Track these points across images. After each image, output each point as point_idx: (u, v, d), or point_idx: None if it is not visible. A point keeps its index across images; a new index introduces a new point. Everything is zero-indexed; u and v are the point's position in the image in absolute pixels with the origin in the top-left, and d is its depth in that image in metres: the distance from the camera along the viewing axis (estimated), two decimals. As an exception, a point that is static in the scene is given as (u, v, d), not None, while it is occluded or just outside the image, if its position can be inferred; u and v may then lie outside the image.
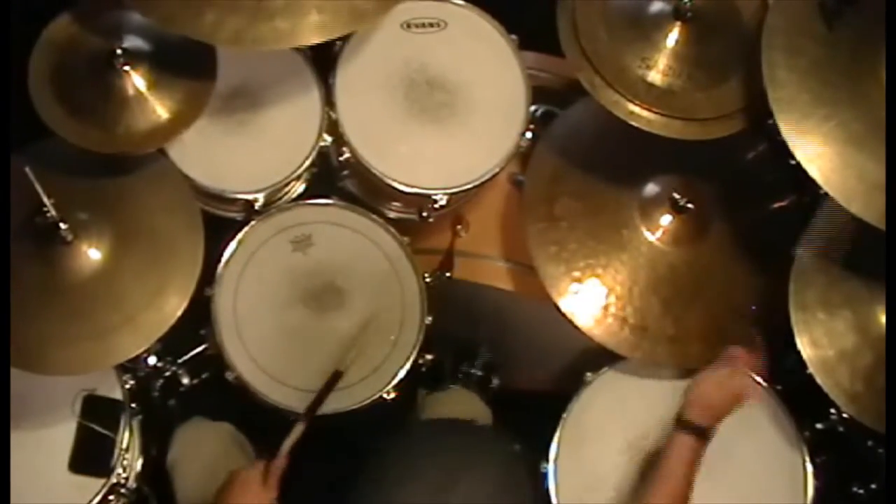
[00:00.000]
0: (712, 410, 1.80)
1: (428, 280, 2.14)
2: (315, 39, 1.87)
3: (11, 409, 1.85)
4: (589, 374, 2.09)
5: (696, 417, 1.79)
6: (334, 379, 1.95)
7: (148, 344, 1.88)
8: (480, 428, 1.98)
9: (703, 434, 1.78)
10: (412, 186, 2.09)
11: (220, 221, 2.09)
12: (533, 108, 2.21)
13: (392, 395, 2.02)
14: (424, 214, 2.16)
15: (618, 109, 1.96)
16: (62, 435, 1.94)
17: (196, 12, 1.79)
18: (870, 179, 1.77)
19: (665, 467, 1.77)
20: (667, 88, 1.98)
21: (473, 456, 1.67)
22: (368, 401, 2.00)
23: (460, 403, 2.23)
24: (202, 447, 2.04)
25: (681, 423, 1.80)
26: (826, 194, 1.79)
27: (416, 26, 2.19)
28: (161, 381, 2.16)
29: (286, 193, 2.16)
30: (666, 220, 2.08)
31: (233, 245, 2.07)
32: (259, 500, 1.73)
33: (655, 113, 1.96)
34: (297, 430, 1.84)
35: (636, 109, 1.97)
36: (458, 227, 2.28)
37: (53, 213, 1.75)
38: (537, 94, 2.21)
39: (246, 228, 2.09)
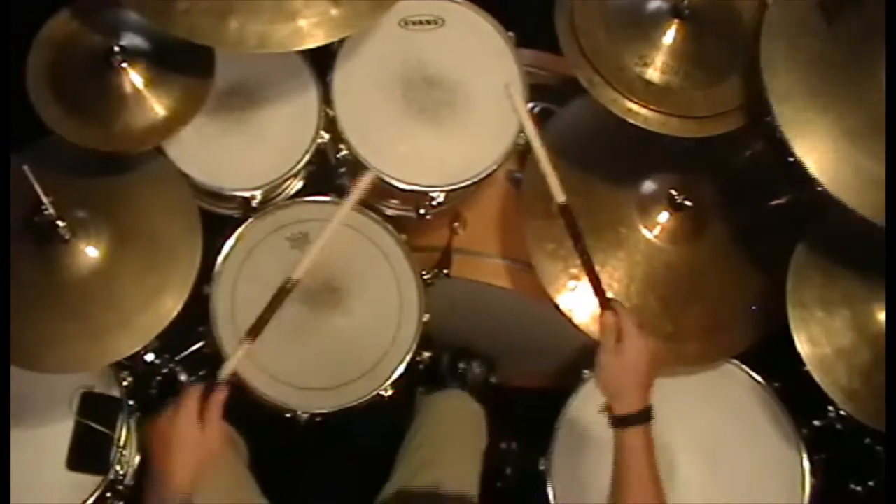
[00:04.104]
0: (636, 393, 1.65)
1: (426, 278, 2.14)
2: (338, 35, 1.88)
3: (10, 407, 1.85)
4: (587, 371, 2.10)
5: (625, 408, 1.65)
6: (283, 292, 1.79)
7: (144, 343, 1.88)
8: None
9: (646, 418, 1.65)
10: (410, 184, 2.08)
11: (217, 219, 2.09)
12: (531, 105, 2.21)
13: (389, 393, 2.02)
14: (422, 212, 2.16)
15: (615, 107, 1.96)
16: (60, 433, 1.95)
17: (220, 21, 1.79)
18: (865, 175, 1.77)
19: (626, 471, 1.64)
20: (664, 86, 1.98)
21: None
22: (366, 398, 2.00)
23: (457, 409, 2.23)
24: None
25: (616, 421, 1.67)
26: (824, 192, 1.79)
27: (414, 24, 2.19)
28: (159, 378, 2.16)
29: (284, 191, 2.16)
30: (664, 217, 2.08)
31: (230, 242, 2.07)
32: (202, 447, 1.56)
33: (653, 110, 1.96)
34: (240, 351, 1.70)
35: (634, 107, 1.96)
36: (456, 224, 2.28)
37: (52, 211, 1.75)
38: (535, 91, 2.20)
39: (243, 226, 2.08)
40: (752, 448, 2.08)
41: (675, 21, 1.99)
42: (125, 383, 2.00)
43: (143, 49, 1.91)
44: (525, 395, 2.55)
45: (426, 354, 2.13)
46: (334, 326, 2.06)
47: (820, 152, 1.79)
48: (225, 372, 1.65)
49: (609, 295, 1.77)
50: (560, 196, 1.72)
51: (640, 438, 1.64)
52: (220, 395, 1.60)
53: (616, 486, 1.65)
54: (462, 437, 2.14)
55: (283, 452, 2.24)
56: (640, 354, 1.66)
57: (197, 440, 1.55)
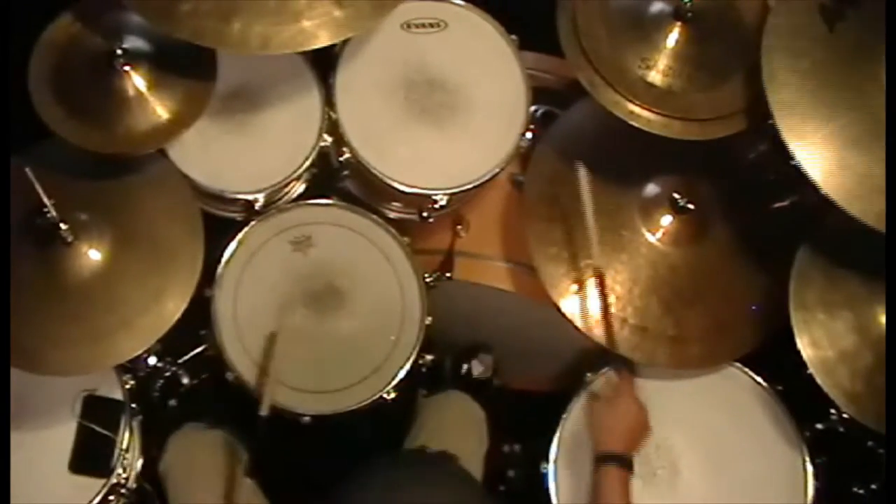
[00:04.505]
0: (615, 439, 1.88)
1: (428, 280, 2.14)
2: (341, 36, 1.89)
3: (12, 410, 1.85)
4: (589, 374, 2.09)
5: (612, 447, 1.87)
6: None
7: (146, 346, 1.88)
8: (446, 457, 1.97)
9: (624, 463, 1.86)
10: (412, 187, 2.09)
11: (220, 222, 2.09)
12: (533, 108, 2.21)
13: (392, 396, 2.02)
14: (425, 215, 2.16)
15: (618, 109, 1.96)
16: (62, 435, 1.94)
17: (223, 23, 1.80)
18: (869, 182, 1.77)
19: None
20: (666, 89, 1.97)
21: (437, 484, 1.67)
22: (368, 401, 2.00)
23: (455, 409, 2.23)
24: (195, 456, 2.03)
25: (601, 457, 1.87)
26: (826, 195, 1.79)
27: (416, 26, 2.19)
28: (161, 381, 2.16)
29: (286, 194, 2.16)
30: (666, 220, 2.08)
31: (233, 245, 2.07)
32: None
33: (655, 113, 1.96)
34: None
35: (636, 109, 1.96)
36: (459, 227, 2.28)
37: (54, 213, 1.75)
38: (537, 94, 2.21)
39: (246, 229, 2.08)
40: (754, 451, 2.07)
41: (678, 24, 1.99)
42: (128, 386, 2.00)
43: (146, 52, 1.91)
44: (527, 398, 2.54)
45: (428, 357, 2.13)
46: (336, 329, 2.06)
47: (824, 162, 1.79)
48: None
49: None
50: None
51: (615, 478, 1.83)
52: None
53: None
54: (463, 438, 2.13)
55: (286, 455, 2.23)
56: (630, 411, 1.93)
57: None
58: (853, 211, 1.77)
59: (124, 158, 1.93)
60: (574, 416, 2.07)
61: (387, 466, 1.75)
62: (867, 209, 1.77)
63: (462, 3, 2.22)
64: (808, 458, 2.05)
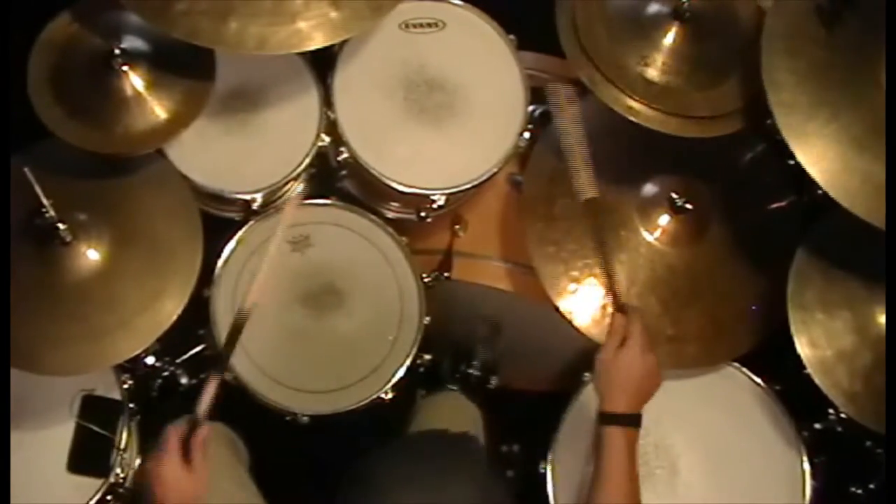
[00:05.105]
0: (623, 397, 1.71)
1: (426, 280, 2.14)
2: (337, 38, 1.89)
3: (10, 409, 1.85)
4: (587, 374, 2.09)
5: (617, 407, 1.70)
6: (242, 317, 1.75)
7: (144, 346, 1.88)
8: (467, 437, 1.99)
9: (630, 422, 1.70)
10: (410, 187, 2.08)
11: (218, 221, 2.09)
12: (531, 108, 2.20)
13: (390, 396, 2.02)
14: (423, 215, 2.16)
15: (616, 105, 1.96)
16: (60, 435, 1.94)
17: (219, 23, 1.80)
18: (872, 181, 1.77)
19: (603, 468, 1.68)
20: (665, 85, 1.98)
21: (461, 462, 1.67)
22: (366, 401, 2.00)
23: (453, 407, 2.23)
24: None
25: (604, 417, 1.71)
26: (827, 195, 1.79)
27: (415, 26, 2.19)
28: (159, 381, 2.16)
29: (284, 194, 2.16)
30: (664, 220, 2.08)
31: (231, 245, 2.07)
32: (189, 490, 1.57)
33: (653, 109, 1.96)
34: (211, 387, 1.67)
35: (634, 105, 1.97)
36: (457, 227, 2.27)
37: (52, 213, 1.75)
38: (536, 94, 2.21)
39: (244, 229, 2.08)
40: (752, 450, 2.07)
41: (676, 23, 1.99)
42: (126, 386, 2.00)
43: (144, 51, 1.91)
44: (526, 398, 2.54)
45: (427, 357, 2.13)
46: (335, 329, 2.06)
47: (827, 162, 1.79)
48: (202, 409, 1.65)
49: (627, 301, 1.86)
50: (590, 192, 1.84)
51: (619, 438, 1.68)
52: (201, 437, 1.61)
53: (593, 483, 1.69)
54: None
55: (284, 455, 2.24)
56: (636, 364, 1.72)
57: (183, 486, 1.57)
58: (856, 210, 1.77)
59: (123, 158, 1.93)
60: (573, 416, 2.07)
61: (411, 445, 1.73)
62: (870, 209, 1.77)
63: (461, 3, 2.22)
64: (806, 458, 2.05)
